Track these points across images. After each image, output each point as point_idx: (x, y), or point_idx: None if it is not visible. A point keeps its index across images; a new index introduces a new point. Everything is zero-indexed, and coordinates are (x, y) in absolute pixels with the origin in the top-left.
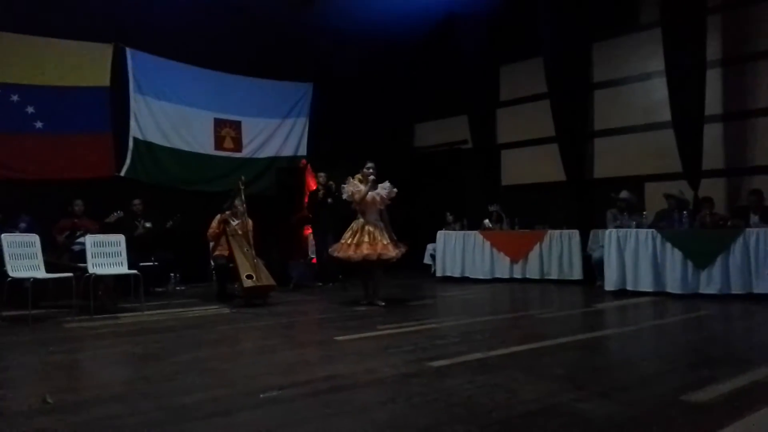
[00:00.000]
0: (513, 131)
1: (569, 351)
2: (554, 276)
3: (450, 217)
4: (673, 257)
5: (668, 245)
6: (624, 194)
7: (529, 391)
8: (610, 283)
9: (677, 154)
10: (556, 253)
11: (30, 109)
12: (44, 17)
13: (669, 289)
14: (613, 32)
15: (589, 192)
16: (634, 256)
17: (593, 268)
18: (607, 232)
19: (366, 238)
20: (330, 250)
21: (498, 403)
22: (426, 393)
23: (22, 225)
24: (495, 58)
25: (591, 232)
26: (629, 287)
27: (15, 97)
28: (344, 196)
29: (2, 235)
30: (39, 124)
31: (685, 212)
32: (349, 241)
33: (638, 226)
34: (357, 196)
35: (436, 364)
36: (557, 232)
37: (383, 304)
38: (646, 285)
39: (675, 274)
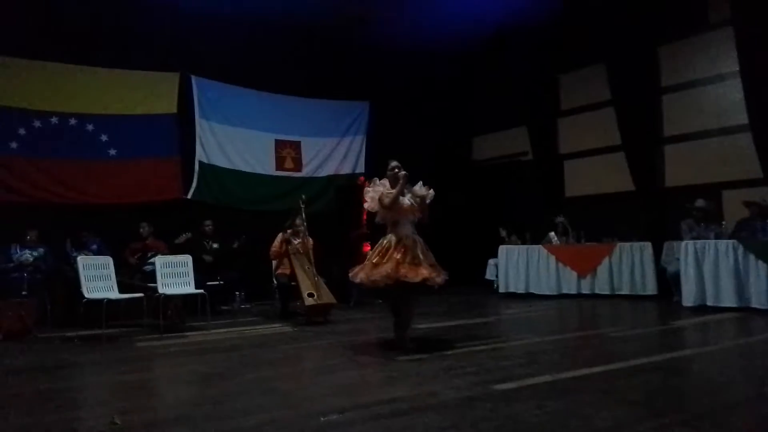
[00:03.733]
0: (575, 141)
1: (646, 373)
2: (626, 291)
3: (503, 232)
4: (758, 270)
5: (751, 257)
6: (700, 203)
7: (603, 418)
8: (688, 298)
9: (756, 158)
10: (627, 266)
11: (104, 137)
12: (115, 51)
13: (754, 305)
14: (680, 33)
15: (661, 202)
16: (713, 269)
17: (669, 282)
18: (683, 243)
19: (401, 257)
20: (351, 274)
21: (570, 430)
22: (491, 418)
23: (93, 247)
24: (553, 67)
25: (665, 244)
26: (709, 303)
27: (90, 127)
28: (367, 205)
29: (78, 257)
30: (112, 152)
31: None
32: (375, 260)
33: (717, 237)
34: (386, 200)
35: (501, 387)
36: (627, 244)
37: (412, 346)
38: (728, 300)
39: (760, 287)
